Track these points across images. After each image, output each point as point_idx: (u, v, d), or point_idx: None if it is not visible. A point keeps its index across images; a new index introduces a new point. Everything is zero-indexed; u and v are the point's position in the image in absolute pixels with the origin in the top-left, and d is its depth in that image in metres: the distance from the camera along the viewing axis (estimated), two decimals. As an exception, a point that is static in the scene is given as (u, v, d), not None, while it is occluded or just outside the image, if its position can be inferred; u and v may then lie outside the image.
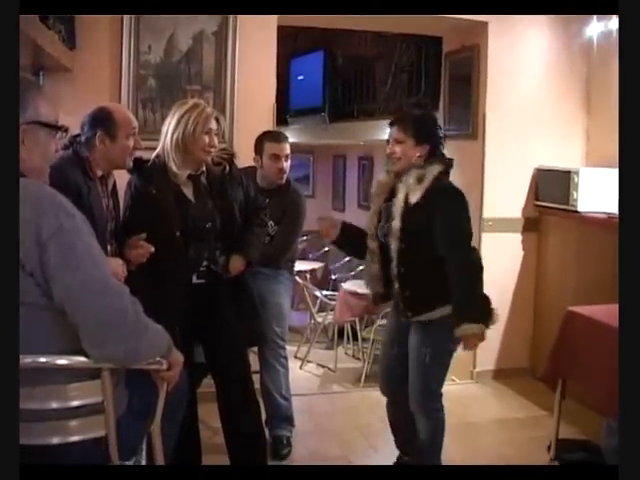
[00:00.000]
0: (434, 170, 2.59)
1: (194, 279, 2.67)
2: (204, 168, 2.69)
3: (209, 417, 3.26)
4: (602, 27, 4.24)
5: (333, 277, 6.73)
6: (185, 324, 2.59)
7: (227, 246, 2.72)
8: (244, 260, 2.76)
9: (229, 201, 2.71)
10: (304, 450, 3.39)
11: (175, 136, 2.58)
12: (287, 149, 3.33)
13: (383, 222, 2.73)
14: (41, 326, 1.57)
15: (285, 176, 3.33)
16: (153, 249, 2.44)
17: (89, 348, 1.57)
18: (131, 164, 2.51)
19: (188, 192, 2.66)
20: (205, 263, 2.68)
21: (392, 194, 2.69)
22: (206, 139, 2.59)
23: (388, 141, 2.71)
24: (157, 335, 1.73)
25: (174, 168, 2.59)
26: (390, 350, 2.87)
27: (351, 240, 2.88)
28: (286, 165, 3.31)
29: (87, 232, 1.60)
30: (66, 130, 1.75)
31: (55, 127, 1.70)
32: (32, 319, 1.55)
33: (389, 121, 2.75)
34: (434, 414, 2.71)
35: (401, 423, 2.90)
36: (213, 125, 2.62)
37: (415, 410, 2.72)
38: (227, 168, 2.73)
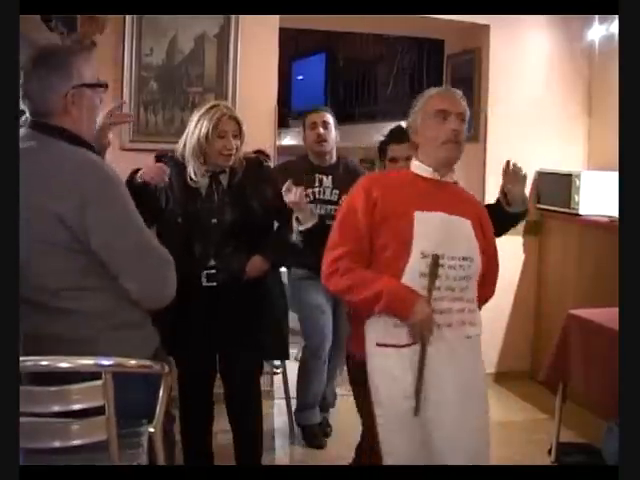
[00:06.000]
0: None
1: (204, 282, 2.56)
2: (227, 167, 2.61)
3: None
4: (604, 30, 4.23)
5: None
6: (197, 329, 2.55)
7: (245, 246, 2.59)
8: (264, 261, 2.61)
9: (246, 200, 2.60)
10: (305, 450, 3.39)
11: (192, 141, 2.53)
12: (324, 117, 3.36)
13: None
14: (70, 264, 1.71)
15: (326, 144, 3.33)
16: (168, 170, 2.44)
17: (131, 284, 1.75)
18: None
19: (202, 187, 2.59)
20: (213, 263, 2.56)
21: None
22: (221, 143, 2.52)
23: (394, 159, 2.57)
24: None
25: (192, 174, 2.55)
26: None
27: None
28: (324, 132, 3.31)
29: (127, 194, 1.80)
30: (107, 86, 1.89)
31: (98, 85, 1.84)
32: (55, 257, 1.69)
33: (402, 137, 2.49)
34: None
35: None
36: (229, 127, 2.54)
37: None
38: (251, 167, 2.67)
